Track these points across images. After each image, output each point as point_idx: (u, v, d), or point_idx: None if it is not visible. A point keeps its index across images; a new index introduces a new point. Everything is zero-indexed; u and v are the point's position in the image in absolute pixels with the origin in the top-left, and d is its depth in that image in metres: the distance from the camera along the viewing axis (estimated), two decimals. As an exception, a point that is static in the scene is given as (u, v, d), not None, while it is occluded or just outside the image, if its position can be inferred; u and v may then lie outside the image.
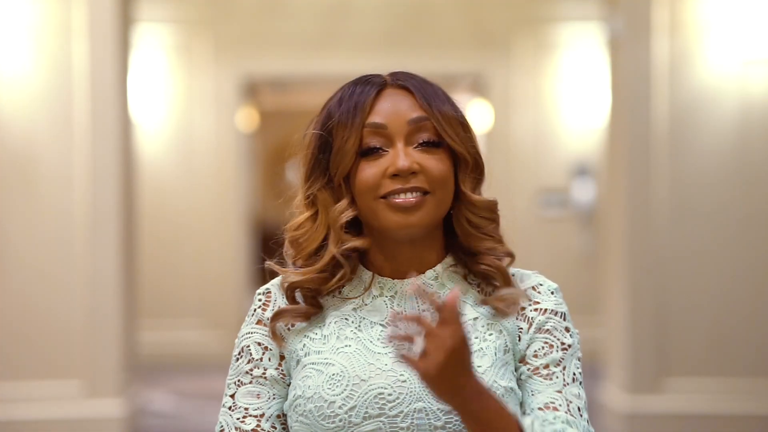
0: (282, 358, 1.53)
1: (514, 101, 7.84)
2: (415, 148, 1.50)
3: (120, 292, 5.03)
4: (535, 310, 1.52)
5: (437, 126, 1.50)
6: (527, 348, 1.50)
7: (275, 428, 1.52)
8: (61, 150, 4.94)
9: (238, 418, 1.52)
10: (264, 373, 1.52)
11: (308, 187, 1.54)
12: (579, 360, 1.52)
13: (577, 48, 7.83)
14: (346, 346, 1.49)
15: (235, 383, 1.53)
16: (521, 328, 1.52)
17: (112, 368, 5.01)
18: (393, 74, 1.56)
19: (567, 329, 1.52)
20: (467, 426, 1.36)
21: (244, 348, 1.54)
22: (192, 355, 7.77)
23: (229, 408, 1.53)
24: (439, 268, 1.54)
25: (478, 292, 1.54)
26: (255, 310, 1.56)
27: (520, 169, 7.77)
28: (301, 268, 1.54)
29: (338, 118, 1.51)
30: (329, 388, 1.46)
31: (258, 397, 1.52)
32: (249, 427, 1.51)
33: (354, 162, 1.51)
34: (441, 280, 1.54)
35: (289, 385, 1.52)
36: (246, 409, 1.52)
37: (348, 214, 1.51)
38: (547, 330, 1.51)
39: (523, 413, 1.48)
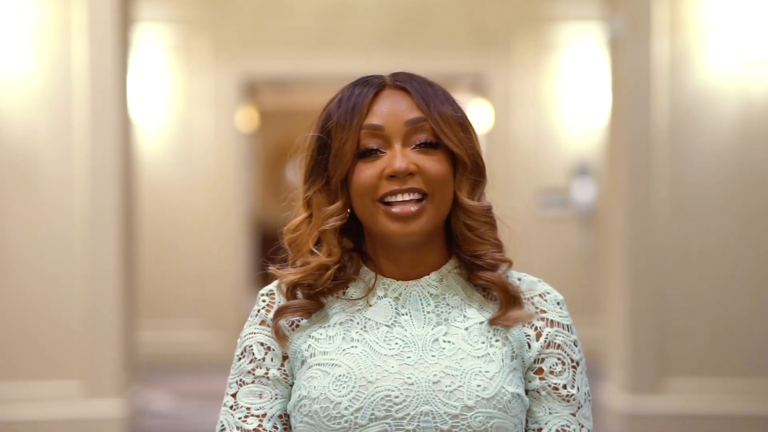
0: (285, 358, 1.53)
1: (514, 101, 7.84)
2: (413, 149, 1.50)
3: (119, 292, 5.02)
4: (542, 319, 1.53)
5: (435, 127, 1.50)
6: (542, 362, 1.52)
7: (277, 428, 1.51)
8: (60, 150, 4.94)
9: (239, 418, 1.51)
10: (266, 373, 1.52)
11: (307, 188, 1.54)
12: (586, 374, 1.56)
13: (577, 48, 7.82)
14: (352, 347, 1.49)
15: (237, 383, 1.53)
16: (528, 335, 1.52)
17: (112, 368, 5.00)
18: (393, 75, 1.55)
19: (575, 343, 1.54)
20: None
21: (247, 348, 1.54)
22: (192, 355, 7.77)
23: (231, 407, 1.52)
24: (443, 269, 1.54)
25: (484, 296, 1.54)
26: (258, 311, 1.56)
27: (520, 169, 7.77)
28: (299, 267, 1.54)
29: (336, 120, 1.51)
30: (335, 389, 1.46)
31: (260, 397, 1.52)
32: (251, 427, 1.51)
33: (351, 164, 1.50)
34: (446, 282, 1.54)
35: (291, 386, 1.52)
36: (248, 408, 1.52)
37: (334, 222, 1.51)
38: (558, 345, 1.53)
39: (535, 423, 1.51)
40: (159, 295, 7.79)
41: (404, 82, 1.53)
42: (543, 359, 1.52)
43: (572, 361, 1.53)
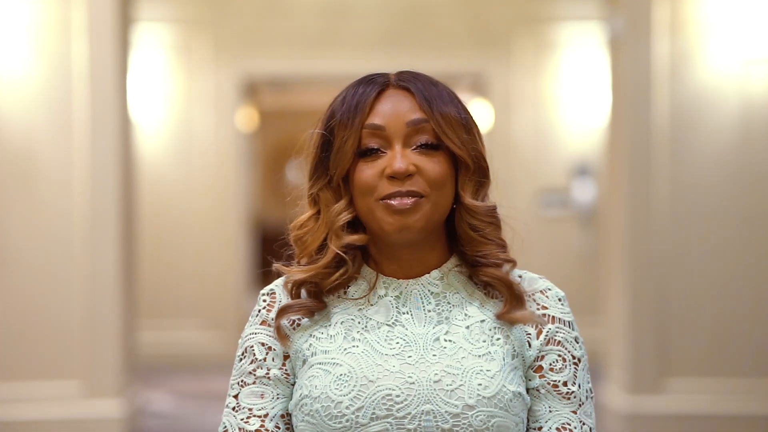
0: (286, 357, 1.53)
1: (514, 101, 7.84)
2: (414, 150, 1.50)
3: (119, 292, 5.02)
4: (543, 315, 1.53)
5: (436, 128, 1.49)
6: (542, 359, 1.51)
7: (279, 428, 1.51)
8: (60, 150, 4.94)
9: (242, 419, 1.51)
10: (268, 374, 1.52)
11: (311, 185, 1.54)
12: (588, 371, 1.55)
13: (577, 48, 7.82)
14: (353, 346, 1.49)
15: (238, 384, 1.53)
16: (529, 333, 1.52)
17: (112, 368, 5.00)
18: (398, 74, 1.55)
19: (576, 339, 1.54)
20: None
21: (248, 348, 1.54)
22: (192, 355, 7.76)
23: (233, 408, 1.53)
24: (444, 268, 1.54)
25: (485, 294, 1.54)
26: (259, 311, 1.56)
27: (520, 169, 7.76)
28: (305, 266, 1.54)
29: (339, 118, 1.51)
30: (337, 389, 1.46)
31: (262, 397, 1.52)
32: (253, 428, 1.51)
33: (352, 162, 1.51)
34: (447, 280, 1.54)
35: (293, 385, 1.52)
36: (250, 409, 1.52)
37: (345, 216, 1.51)
38: (559, 342, 1.52)
39: (536, 422, 1.51)
40: (159, 295, 7.79)
41: (408, 82, 1.53)
42: (543, 356, 1.51)
43: (573, 357, 1.52)
